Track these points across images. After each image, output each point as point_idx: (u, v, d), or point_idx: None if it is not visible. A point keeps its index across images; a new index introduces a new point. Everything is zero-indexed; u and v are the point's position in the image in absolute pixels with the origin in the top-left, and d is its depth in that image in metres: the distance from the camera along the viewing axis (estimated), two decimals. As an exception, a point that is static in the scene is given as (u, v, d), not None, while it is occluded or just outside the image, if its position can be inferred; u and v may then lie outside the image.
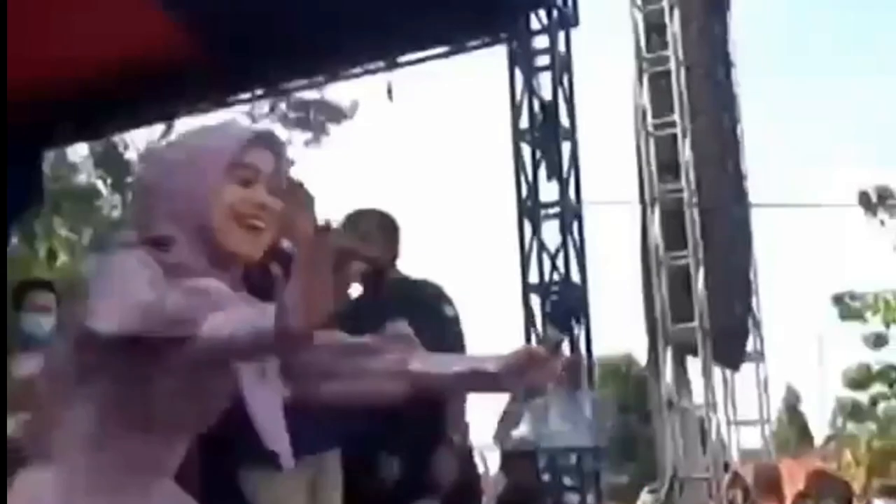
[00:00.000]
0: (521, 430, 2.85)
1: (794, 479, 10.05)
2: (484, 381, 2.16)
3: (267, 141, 2.08)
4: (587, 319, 8.81)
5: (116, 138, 18.94)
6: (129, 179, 20.88)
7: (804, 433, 32.15)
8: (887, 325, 23.40)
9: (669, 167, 9.20)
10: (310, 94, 19.52)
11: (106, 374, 1.92)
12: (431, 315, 4.70)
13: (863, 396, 23.88)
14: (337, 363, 2.15)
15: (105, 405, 1.94)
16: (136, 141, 20.56)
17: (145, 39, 7.55)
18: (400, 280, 4.83)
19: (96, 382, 1.94)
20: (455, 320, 4.77)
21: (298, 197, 2.10)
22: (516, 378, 2.12)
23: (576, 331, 7.97)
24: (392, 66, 8.52)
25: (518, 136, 8.62)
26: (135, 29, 7.43)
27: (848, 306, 23.55)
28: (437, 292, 4.78)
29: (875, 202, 23.31)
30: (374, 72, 9.11)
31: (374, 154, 46.12)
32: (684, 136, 9.18)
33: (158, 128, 18.31)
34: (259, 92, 10.19)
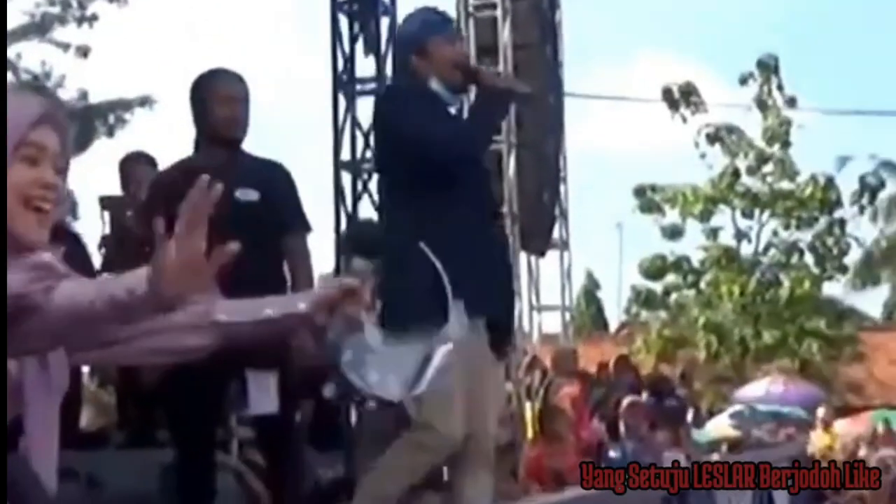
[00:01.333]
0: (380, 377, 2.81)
1: (587, 363, 10.41)
2: (296, 321, 2.15)
3: (52, 119, 1.95)
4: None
5: None
6: None
7: (600, 319, 33.40)
8: (684, 219, 24.36)
9: (488, 50, 9.18)
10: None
11: None
12: (282, 193, 4.65)
13: (657, 286, 24.87)
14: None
15: None
16: None
17: None
18: (246, 153, 4.74)
19: None
20: (300, 204, 4.73)
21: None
22: (328, 314, 2.12)
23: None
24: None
25: (336, 6, 8.42)
26: None
27: (648, 199, 24.37)
28: (286, 173, 4.74)
29: (678, 98, 24.03)
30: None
31: (178, 20, 44.54)
32: (504, 18, 9.15)
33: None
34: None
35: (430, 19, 4.18)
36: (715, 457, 10.83)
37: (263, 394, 4.33)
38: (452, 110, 4.20)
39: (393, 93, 4.27)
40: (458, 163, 4.00)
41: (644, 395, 9.79)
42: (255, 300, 2.17)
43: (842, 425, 15.88)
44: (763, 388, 17.25)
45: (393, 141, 4.10)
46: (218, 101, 4.65)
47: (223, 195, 4.68)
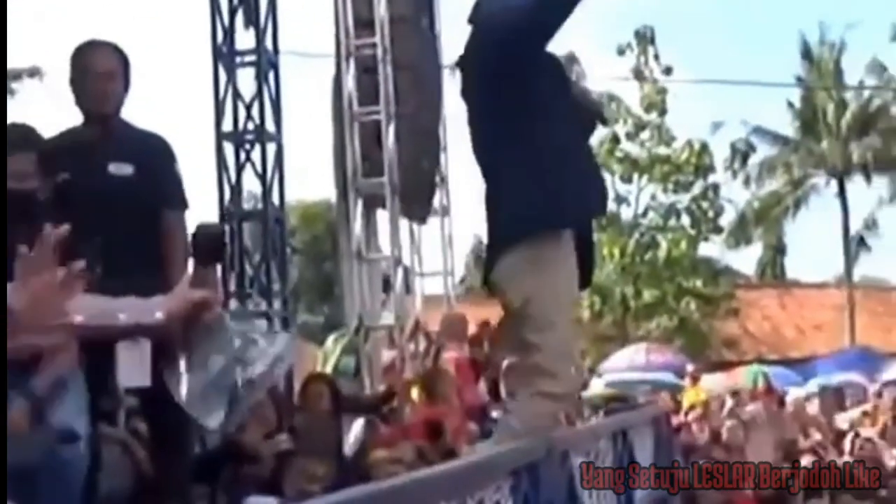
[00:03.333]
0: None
1: (475, 324, 10.51)
2: (150, 329, 2.14)
3: None
4: (281, 171, 8.78)
5: None
6: None
7: (487, 281, 33.61)
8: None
9: (365, 22, 9.17)
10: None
11: None
12: (159, 167, 4.58)
13: (541, 249, 25.05)
14: None
15: None
16: None
17: None
18: (127, 125, 4.64)
19: None
20: (179, 177, 4.66)
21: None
22: (182, 323, 2.13)
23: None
24: None
25: (214, -20, 8.34)
26: None
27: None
28: (165, 146, 4.66)
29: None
30: None
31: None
32: (380, -8, 9.15)
33: None
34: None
35: None
36: (594, 418, 11.06)
37: (134, 366, 4.29)
38: None
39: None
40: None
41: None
42: (111, 300, 2.13)
43: (718, 379, 16.38)
44: (629, 358, 17.61)
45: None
46: (88, 76, 4.54)
47: (98, 168, 4.61)
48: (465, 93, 4.06)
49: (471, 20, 4.05)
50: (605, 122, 4.65)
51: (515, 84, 3.83)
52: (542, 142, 3.85)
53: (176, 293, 2.20)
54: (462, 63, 4.09)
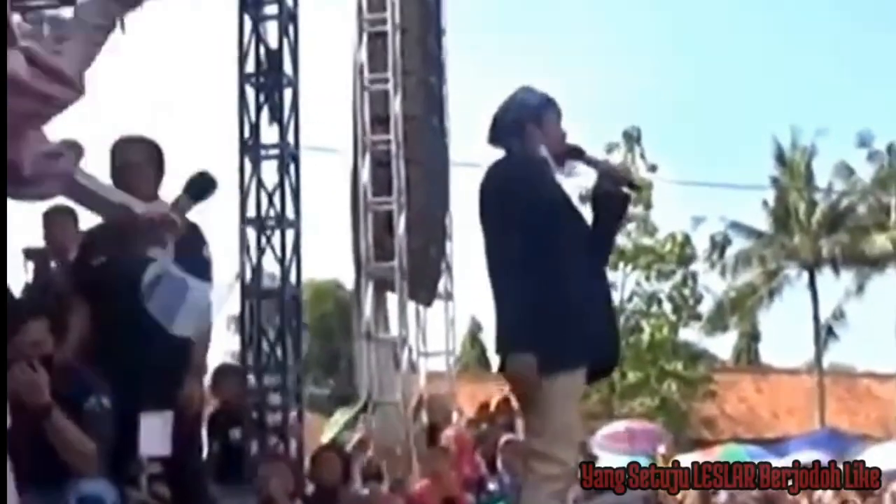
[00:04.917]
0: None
1: (473, 401, 10.44)
2: (129, 217, 2.54)
3: None
4: (298, 255, 8.78)
5: None
6: None
7: (483, 359, 33.57)
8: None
9: (381, 120, 9.27)
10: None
11: None
12: (192, 252, 4.61)
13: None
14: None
15: None
16: None
17: None
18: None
19: None
20: (209, 262, 4.70)
21: None
22: (153, 226, 2.61)
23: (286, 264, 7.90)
24: None
25: (244, 79, 8.44)
26: None
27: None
28: (197, 233, 4.69)
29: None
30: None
31: (100, 85, 43.69)
32: (395, 92, 9.26)
33: None
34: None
35: (547, 98, 4.28)
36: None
37: (154, 437, 4.32)
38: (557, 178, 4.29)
39: (512, 159, 4.19)
40: (563, 226, 4.08)
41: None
42: (110, 187, 2.44)
43: (695, 457, 16.15)
44: (611, 432, 17.31)
45: (507, 199, 4.08)
46: (117, 168, 4.66)
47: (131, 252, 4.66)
48: (484, 218, 4.17)
49: (491, 139, 4.22)
50: (636, 188, 4.72)
51: (528, 230, 3.96)
52: (553, 281, 3.93)
53: (156, 205, 2.84)
54: (481, 195, 4.18)
